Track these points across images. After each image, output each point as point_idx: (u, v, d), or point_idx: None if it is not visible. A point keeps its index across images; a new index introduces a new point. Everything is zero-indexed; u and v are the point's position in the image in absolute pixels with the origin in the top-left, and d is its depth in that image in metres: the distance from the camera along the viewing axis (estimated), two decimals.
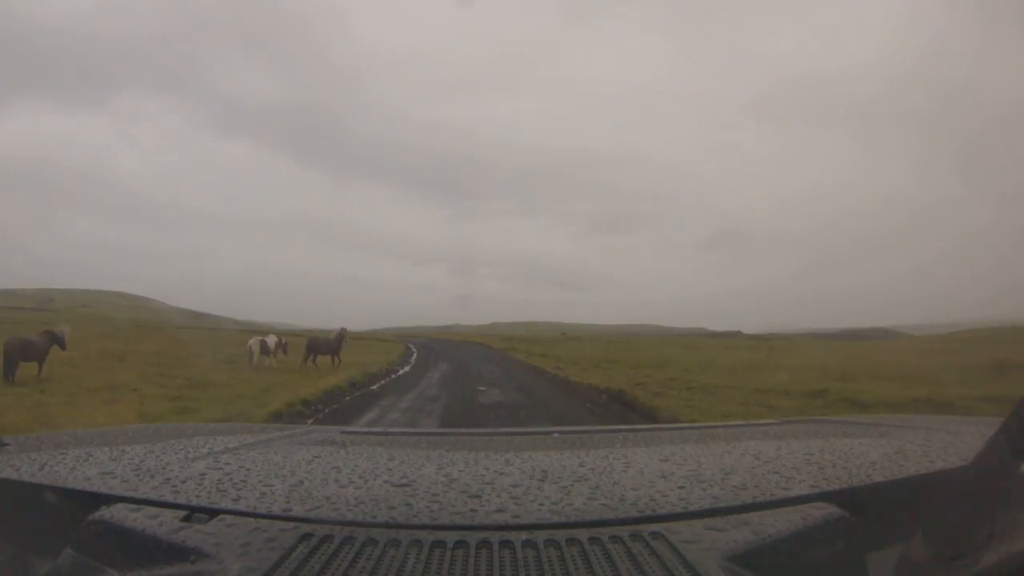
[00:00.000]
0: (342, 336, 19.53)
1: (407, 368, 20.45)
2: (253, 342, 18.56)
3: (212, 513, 0.80)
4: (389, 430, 1.81)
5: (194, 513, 0.80)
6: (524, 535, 0.73)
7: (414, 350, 32.70)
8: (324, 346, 19.29)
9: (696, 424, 2.22)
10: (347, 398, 11.95)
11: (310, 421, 8.68)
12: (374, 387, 14.04)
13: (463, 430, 2.59)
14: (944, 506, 0.73)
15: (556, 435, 1.55)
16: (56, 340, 13.84)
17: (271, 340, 18.83)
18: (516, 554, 0.70)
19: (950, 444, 1.13)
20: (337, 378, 14.16)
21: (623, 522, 0.77)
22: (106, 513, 0.79)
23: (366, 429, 1.85)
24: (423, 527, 0.76)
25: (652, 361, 23.40)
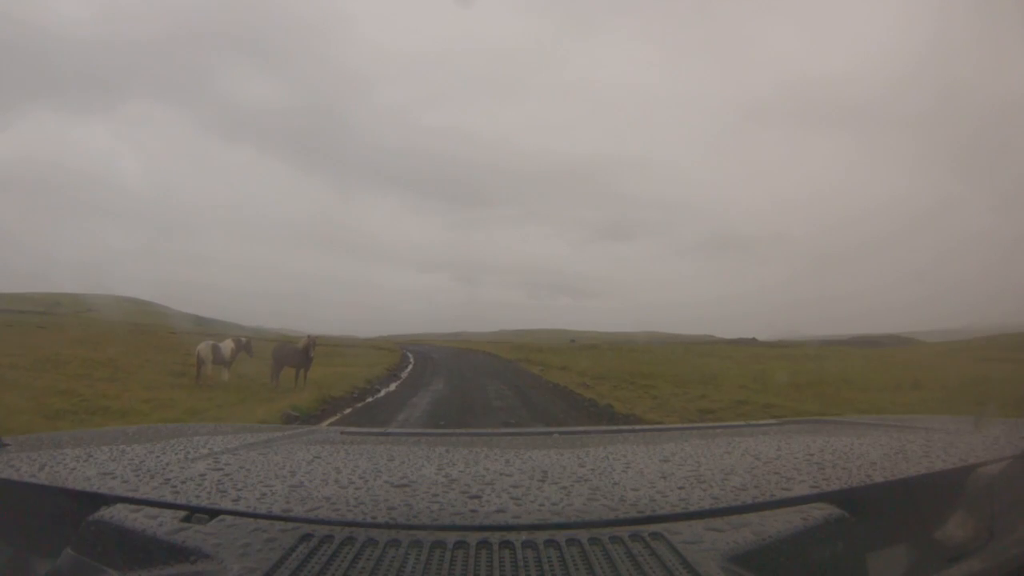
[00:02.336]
0: (309, 346, 15.37)
1: (391, 388, 16.04)
2: (203, 348, 14.85)
3: (212, 513, 0.80)
4: (389, 430, 1.83)
5: (194, 513, 0.80)
6: (524, 535, 0.74)
7: (410, 362, 28.26)
8: (289, 357, 15.37)
9: (696, 424, 2.26)
10: None
11: None
12: (323, 425, 10.25)
13: (463, 430, 2.44)
14: (944, 506, 0.73)
15: (556, 435, 1.59)
16: None
17: (226, 345, 15.28)
18: (516, 554, 0.70)
19: (950, 444, 1.12)
20: (279, 406, 10.61)
21: (623, 522, 0.78)
22: (106, 513, 0.79)
23: (366, 429, 1.78)
24: (423, 527, 0.76)
25: (693, 375, 18.29)
